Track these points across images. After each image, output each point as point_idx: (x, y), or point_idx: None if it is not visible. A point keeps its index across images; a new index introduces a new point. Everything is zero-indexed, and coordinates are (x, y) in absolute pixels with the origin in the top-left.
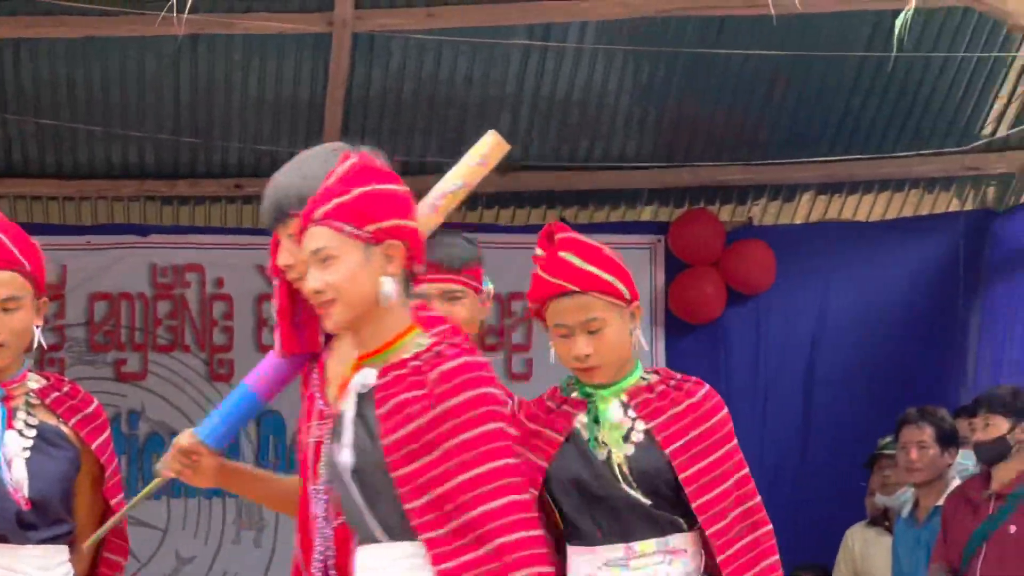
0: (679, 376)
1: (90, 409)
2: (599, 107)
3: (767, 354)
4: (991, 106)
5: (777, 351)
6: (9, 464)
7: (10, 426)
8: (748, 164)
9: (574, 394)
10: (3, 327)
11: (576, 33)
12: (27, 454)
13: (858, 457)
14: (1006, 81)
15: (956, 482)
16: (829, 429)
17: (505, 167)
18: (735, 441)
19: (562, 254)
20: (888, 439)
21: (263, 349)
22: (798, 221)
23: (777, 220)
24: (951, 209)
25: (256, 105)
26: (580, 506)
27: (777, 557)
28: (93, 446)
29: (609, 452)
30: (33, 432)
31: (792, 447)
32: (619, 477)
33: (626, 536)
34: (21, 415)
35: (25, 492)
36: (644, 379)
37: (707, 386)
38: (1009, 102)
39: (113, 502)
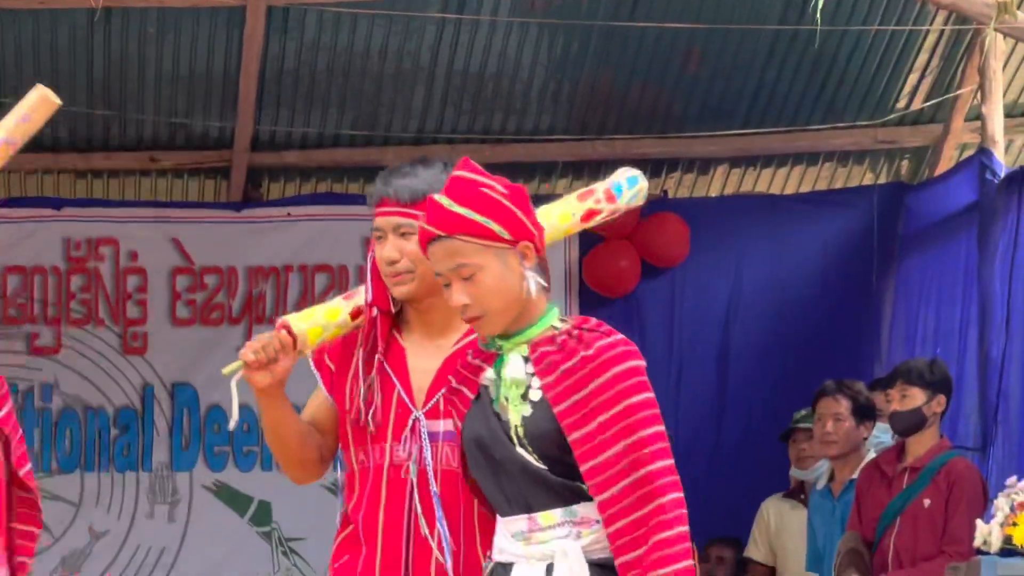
0: (589, 326)
1: None
2: (513, 80)
3: (681, 327)
4: (905, 80)
5: (691, 324)
6: None
7: None
8: (662, 137)
9: (491, 347)
10: None
11: (490, 6)
12: None
13: (772, 430)
14: (920, 54)
15: (871, 455)
16: (744, 402)
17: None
18: (639, 398)
19: (437, 196)
20: (804, 412)
21: (177, 323)
22: (712, 194)
23: (691, 193)
24: (865, 182)
25: (171, 78)
26: (485, 471)
27: (678, 531)
28: None
29: (508, 412)
30: None
31: (707, 420)
32: (515, 440)
33: (529, 506)
34: None
35: None
36: (555, 328)
37: (612, 337)
38: (923, 76)
39: (21, 472)
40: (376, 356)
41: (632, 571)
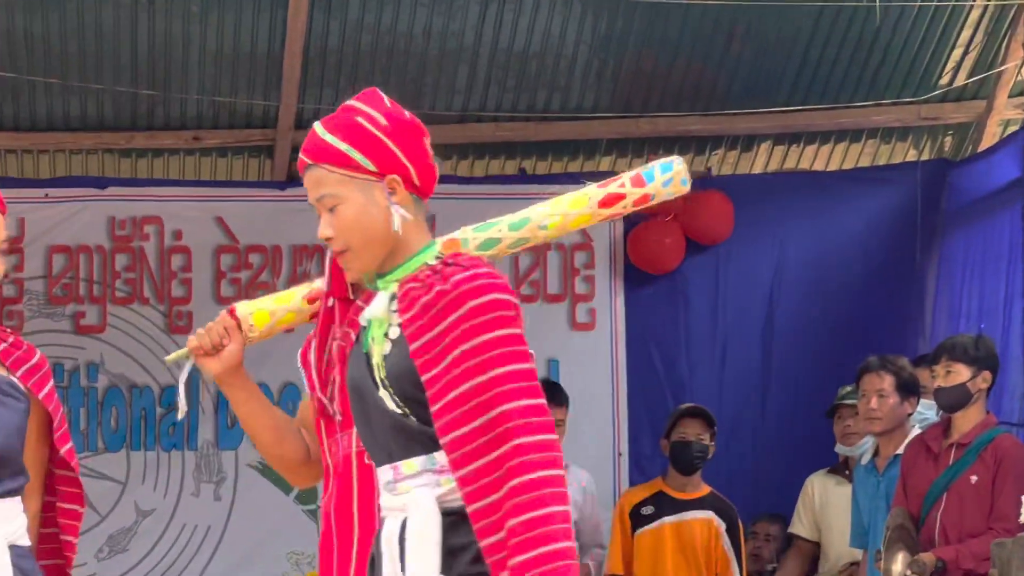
0: (455, 259)
1: (34, 360)
2: (557, 58)
3: (726, 304)
4: (948, 56)
5: (736, 301)
6: None
7: None
8: (706, 114)
9: (371, 286)
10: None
11: None
12: None
13: (816, 406)
14: (963, 30)
15: (916, 431)
16: (788, 378)
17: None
18: (495, 334)
19: (316, 123)
20: (849, 388)
21: (222, 301)
22: (756, 171)
23: (735, 170)
24: (908, 159)
25: (214, 57)
26: (360, 418)
27: (540, 475)
28: (40, 395)
29: (373, 351)
30: None
31: (752, 397)
32: (378, 381)
33: (391, 454)
34: None
35: None
36: (427, 264)
37: (474, 270)
38: (966, 52)
39: (62, 450)
40: (333, 345)
41: (486, 519)
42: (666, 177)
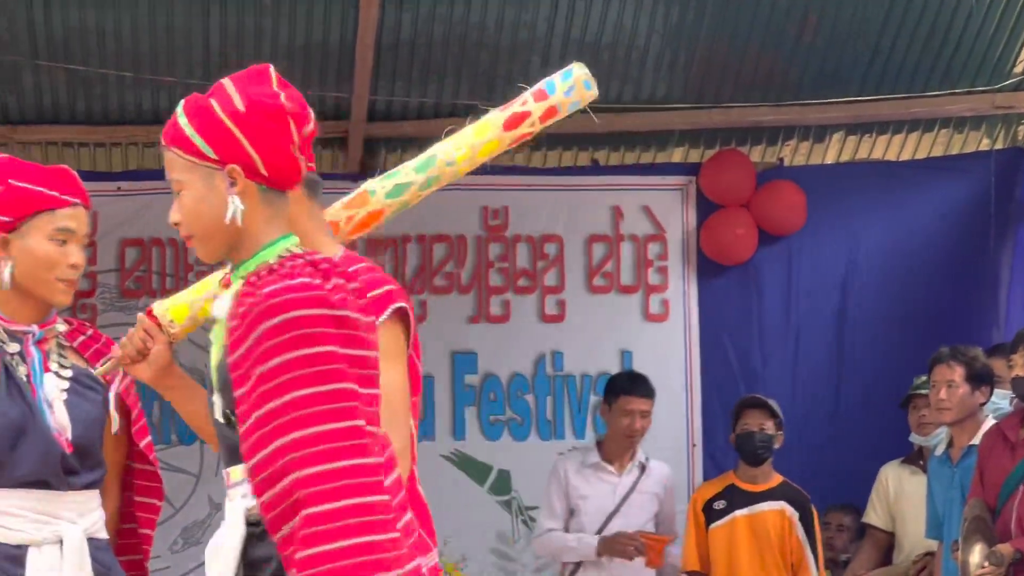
0: (276, 265)
1: None
2: (630, 49)
3: (798, 295)
4: (1022, 44)
5: (808, 292)
6: (50, 407)
7: (47, 369)
8: (779, 105)
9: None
10: (83, 263)
11: None
12: (64, 396)
13: (890, 397)
14: None
15: (990, 421)
16: (861, 369)
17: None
18: (290, 356)
19: (181, 101)
20: (924, 378)
21: None
22: (828, 161)
23: (808, 161)
24: (981, 148)
25: (286, 50)
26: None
27: (328, 507)
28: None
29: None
30: (68, 374)
31: (825, 387)
32: (215, 385)
33: (225, 459)
34: (54, 358)
35: (68, 436)
36: (267, 264)
37: (284, 282)
38: None
39: (142, 444)
40: None
41: (285, 550)
42: (567, 85)
